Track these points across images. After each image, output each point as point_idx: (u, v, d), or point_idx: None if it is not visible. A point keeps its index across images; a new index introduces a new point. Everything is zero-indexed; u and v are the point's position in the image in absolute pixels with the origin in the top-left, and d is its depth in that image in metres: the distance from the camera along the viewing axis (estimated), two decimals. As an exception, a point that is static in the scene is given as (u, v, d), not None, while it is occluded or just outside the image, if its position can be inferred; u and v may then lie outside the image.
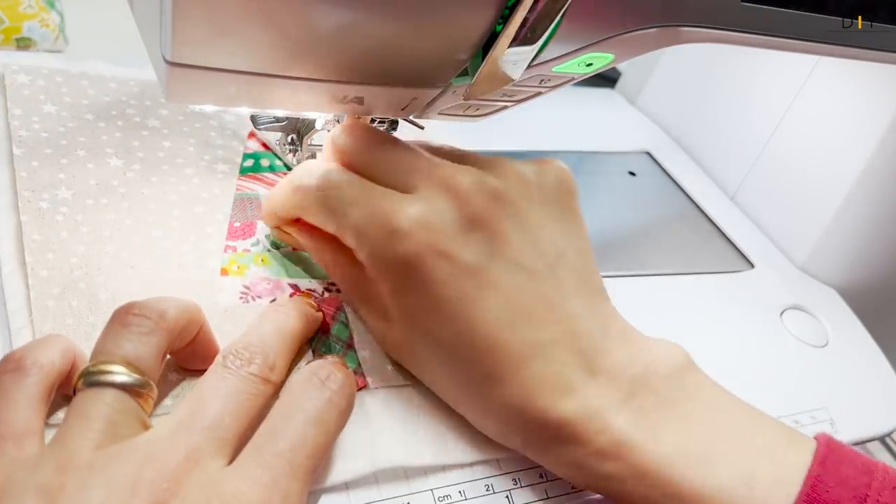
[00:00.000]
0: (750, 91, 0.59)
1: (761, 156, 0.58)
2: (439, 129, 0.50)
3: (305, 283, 0.37)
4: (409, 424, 0.32)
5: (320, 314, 0.34)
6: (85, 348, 0.28)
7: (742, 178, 0.59)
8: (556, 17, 0.26)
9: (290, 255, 0.38)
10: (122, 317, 0.28)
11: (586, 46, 0.29)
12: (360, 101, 0.30)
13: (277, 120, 0.40)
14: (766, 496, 0.28)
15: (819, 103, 0.54)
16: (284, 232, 0.36)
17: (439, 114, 0.33)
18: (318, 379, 0.28)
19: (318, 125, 0.39)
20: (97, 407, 0.25)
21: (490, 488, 0.32)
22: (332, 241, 0.34)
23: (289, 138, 0.41)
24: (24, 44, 0.48)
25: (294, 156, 0.41)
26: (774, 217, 0.57)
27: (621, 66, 0.72)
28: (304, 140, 0.39)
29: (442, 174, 0.30)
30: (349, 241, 0.31)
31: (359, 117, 0.35)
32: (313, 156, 0.41)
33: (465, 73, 0.29)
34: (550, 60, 0.29)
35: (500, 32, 0.26)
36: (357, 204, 0.30)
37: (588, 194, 0.39)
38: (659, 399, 0.30)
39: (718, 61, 0.62)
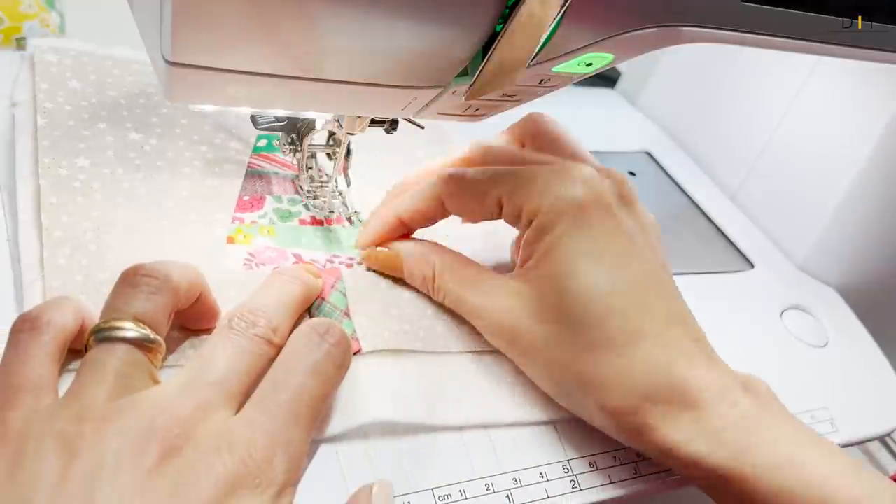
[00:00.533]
0: (750, 91, 0.59)
1: (761, 156, 0.58)
2: (440, 128, 0.50)
3: (309, 254, 0.38)
4: (403, 387, 0.34)
5: (320, 281, 0.36)
6: (92, 304, 0.30)
7: (742, 178, 0.59)
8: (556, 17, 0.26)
9: (295, 228, 0.39)
10: (131, 277, 0.29)
11: (586, 46, 0.29)
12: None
13: (277, 120, 0.40)
14: (872, 487, 0.30)
15: (819, 103, 0.54)
16: (375, 259, 0.38)
17: (439, 114, 0.33)
18: (317, 334, 0.30)
19: (318, 125, 0.39)
20: (110, 361, 0.27)
21: (490, 487, 0.32)
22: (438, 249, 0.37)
23: (289, 138, 0.41)
24: (24, 44, 0.48)
25: (294, 156, 0.41)
26: (774, 217, 0.57)
27: (621, 66, 0.72)
28: (304, 140, 0.39)
29: (599, 165, 0.36)
30: (525, 194, 0.33)
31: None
32: (313, 156, 0.41)
33: (465, 73, 0.29)
34: (550, 60, 0.29)
35: (500, 32, 0.26)
36: (530, 169, 0.34)
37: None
38: (765, 401, 0.33)
39: (718, 61, 0.62)
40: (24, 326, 0.27)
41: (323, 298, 0.35)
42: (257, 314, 0.30)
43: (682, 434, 0.31)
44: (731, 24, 0.30)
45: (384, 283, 0.38)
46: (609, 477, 0.34)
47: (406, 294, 0.38)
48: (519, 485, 0.33)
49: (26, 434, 0.24)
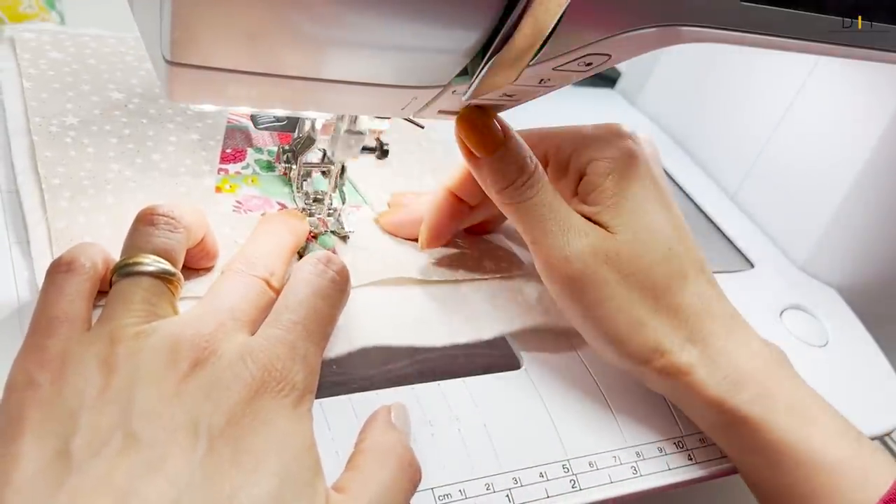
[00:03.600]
0: (750, 91, 0.59)
1: (761, 156, 0.58)
2: (440, 128, 0.50)
3: (291, 203, 0.41)
4: (392, 315, 0.37)
5: (307, 225, 0.38)
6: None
7: (742, 178, 0.59)
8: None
9: (278, 178, 0.42)
10: (148, 217, 0.31)
11: (586, 46, 0.29)
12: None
13: (277, 120, 0.40)
14: (871, 458, 0.34)
15: (819, 103, 0.54)
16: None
17: (439, 113, 0.33)
18: (321, 263, 0.32)
19: (317, 125, 0.39)
20: (135, 291, 0.29)
21: (490, 487, 0.32)
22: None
23: (284, 156, 0.41)
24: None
25: (289, 174, 0.41)
26: (774, 217, 0.57)
27: (621, 66, 0.72)
28: (300, 159, 0.40)
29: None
30: (582, 143, 0.36)
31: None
32: (308, 174, 0.41)
33: (465, 73, 0.29)
34: (550, 60, 0.29)
35: (500, 32, 0.26)
36: (585, 130, 0.37)
37: (588, 194, 0.39)
38: (782, 357, 0.37)
39: (718, 61, 0.62)
40: (61, 268, 0.29)
41: (311, 240, 0.39)
42: (254, 261, 0.32)
43: (712, 377, 0.34)
44: (731, 24, 0.30)
45: (366, 227, 0.41)
46: (609, 477, 0.34)
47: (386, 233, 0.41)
48: (519, 484, 0.33)
49: (65, 357, 0.27)
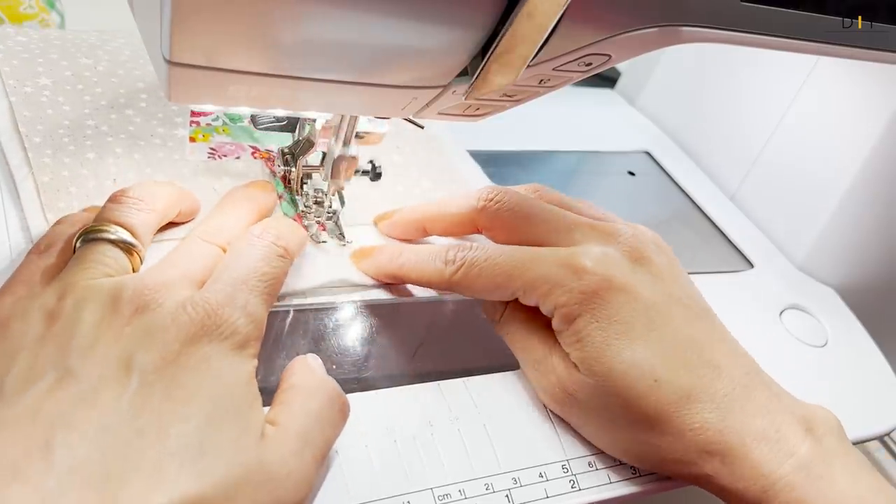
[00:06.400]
0: (750, 91, 0.59)
1: (761, 156, 0.58)
2: (440, 129, 0.50)
3: (263, 145, 0.43)
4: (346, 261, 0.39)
5: (274, 195, 0.40)
6: (81, 194, 0.36)
7: (742, 178, 0.59)
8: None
9: (246, 127, 0.43)
10: (119, 197, 0.33)
11: (586, 46, 0.29)
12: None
13: (277, 120, 0.40)
14: None
15: (818, 103, 0.54)
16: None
17: (439, 114, 0.33)
18: (254, 235, 0.33)
19: (317, 125, 0.39)
20: (93, 254, 0.30)
21: (490, 487, 0.32)
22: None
23: (283, 158, 0.41)
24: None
25: (289, 175, 0.41)
26: (774, 217, 0.57)
27: (621, 66, 0.72)
28: (299, 161, 0.40)
29: (600, 228, 0.36)
30: (539, 294, 0.34)
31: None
32: (308, 175, 0.41)
33: (465, 73, 0.29)
34: (550, 60, 0.29)
35: (500, 32, 0.26)
36: (539, 261, 0.34)
37: (588, 194, 0.39)
38: (826, 444, 0.33)
39: (718, 61, 0.62)
40: (39, 250, 0.31)
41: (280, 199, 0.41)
42: (214, 232, 0.34)
43: (739, 483, 0.32)
44: (731, 24, 0.30)
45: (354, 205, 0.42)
46: (608, 477, 0.34)
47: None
48: (518, 484, 0.33)
49: (14, 311, 0.28)
